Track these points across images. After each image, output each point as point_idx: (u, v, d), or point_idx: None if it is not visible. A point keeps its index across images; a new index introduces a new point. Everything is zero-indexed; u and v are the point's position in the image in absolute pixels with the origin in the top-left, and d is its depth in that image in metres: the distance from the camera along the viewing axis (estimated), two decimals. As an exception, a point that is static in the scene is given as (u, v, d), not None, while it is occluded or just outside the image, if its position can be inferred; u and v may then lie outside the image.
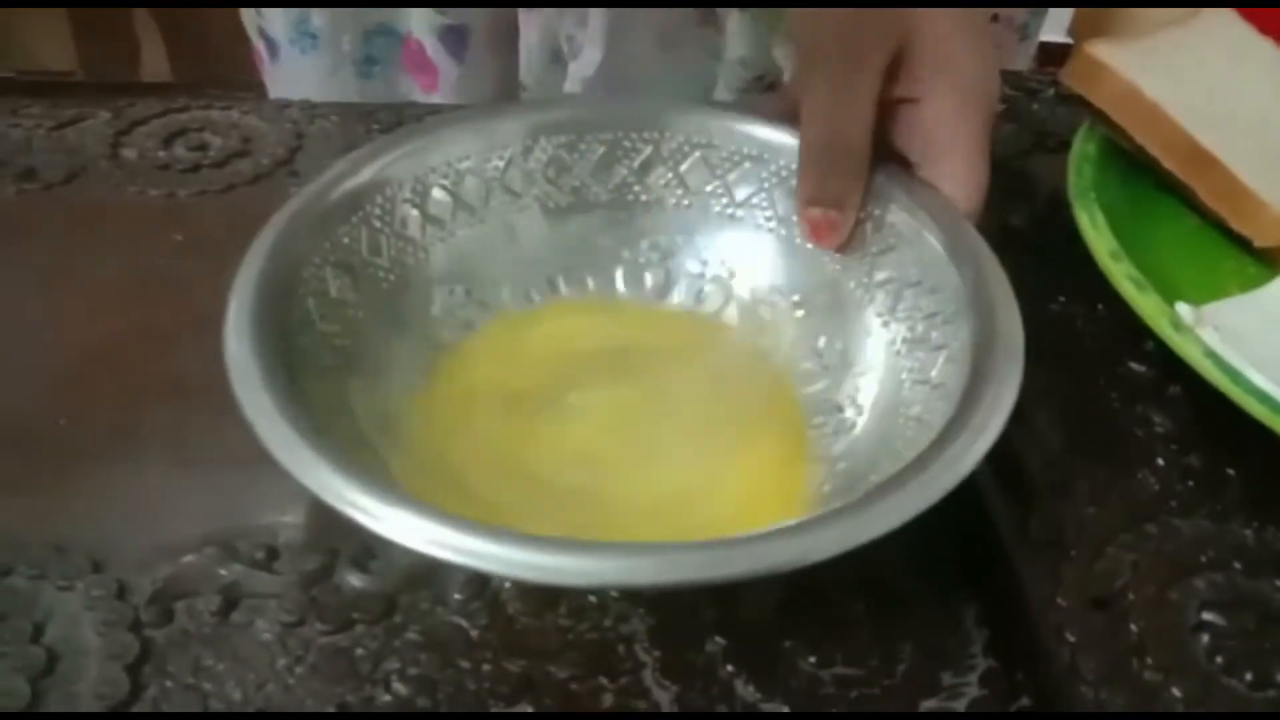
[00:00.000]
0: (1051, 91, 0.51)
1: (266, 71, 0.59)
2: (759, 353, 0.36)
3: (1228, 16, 0.45)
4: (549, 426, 0.33)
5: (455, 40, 0.54)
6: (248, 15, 0.58)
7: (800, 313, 0.36)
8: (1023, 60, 0.61)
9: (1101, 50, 0.41)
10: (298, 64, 0.56)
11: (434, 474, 0.31)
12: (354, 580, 0.30)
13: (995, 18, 0.59)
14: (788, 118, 0.36)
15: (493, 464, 0.32)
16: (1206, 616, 0.29)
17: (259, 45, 0.59)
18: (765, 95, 0.55)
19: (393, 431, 0.31)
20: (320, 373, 0.30)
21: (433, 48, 0.54)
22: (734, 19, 0.53)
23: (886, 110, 0.34)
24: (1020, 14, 0.61)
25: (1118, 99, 0.41)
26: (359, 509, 0.24)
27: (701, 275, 0.37)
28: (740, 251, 0.37)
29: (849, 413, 0.33)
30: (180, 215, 0.43)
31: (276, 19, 0.56)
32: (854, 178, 0.34)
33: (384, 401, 0.32)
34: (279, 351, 0.28)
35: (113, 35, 1.39)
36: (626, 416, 0.34)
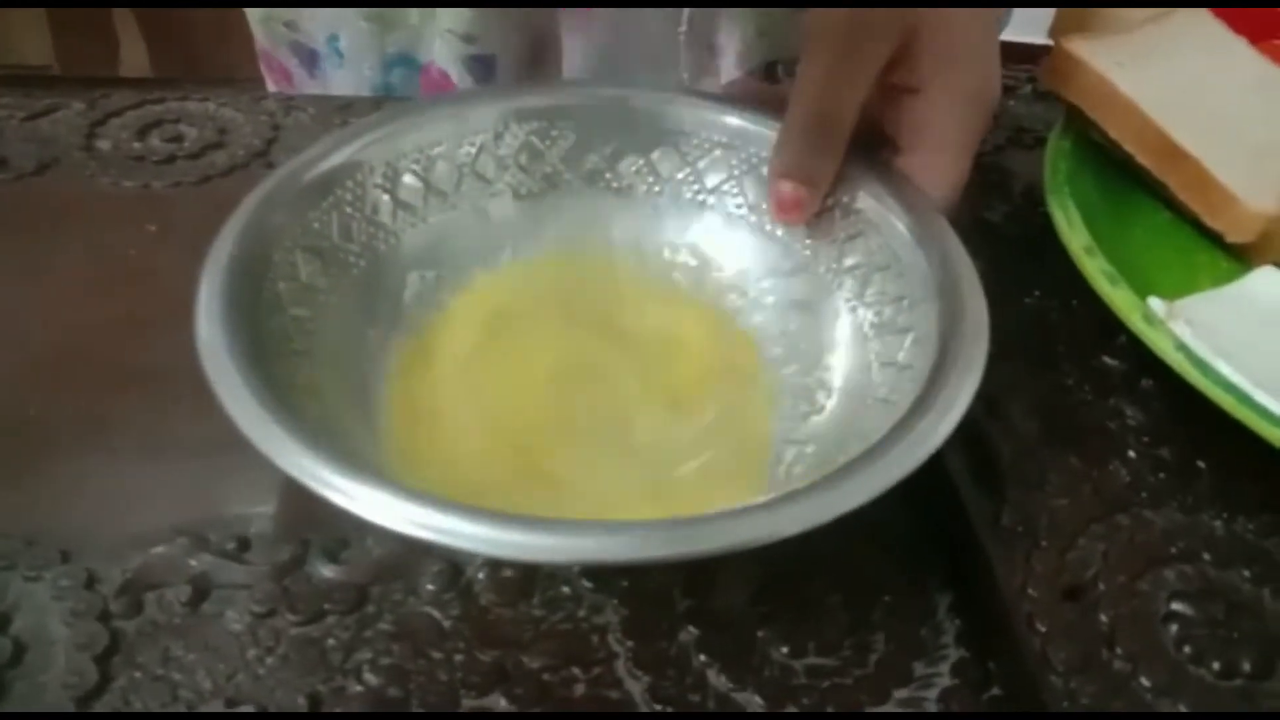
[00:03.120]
0: (1029, 88, 0.52)
1: (297, 85, 0.58)
2: (729, 337, 0.36)
3: (1202, 15, 0.45)
4: (518, 401, 0.33)
5: (481, 70, 0.54)
6: (271, 30, 0.57)
7: (771, 298, 0.36)
8: None
9: (1077, 46, 0.42)
10: (335, 77, 0.56)
11: (405, 453, 0.31)
12: (325, 571, 0.30)
13: None
14: (767, 99, 0.36)
15: (460, 439, 0.32)
16: (1176, 606, 0.29)
17: (288, 62, 0.57)
18: (748, 78, 0.55)
19: (364, 413, 0.31)
20: (291, 355, 0.30)
21: (458, 76, 0.54)
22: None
23: (886, 94, 0.34)
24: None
25: (1093, 94, 0.41)
26: (330, 486, 0.24)
27: (672, 261, 0.38)
28: (711, 238, 0.37)
29: (819, 395, 0.33)
30: (154, 206, 0.42)
31: (318, 32, 0.55)
32: (830, 157, 0.34)
33: (355, 384, 0.32)
34: (249, 334, 0.28)
35: (92, 32, 1.38)
36: (594, 395, 0.34)
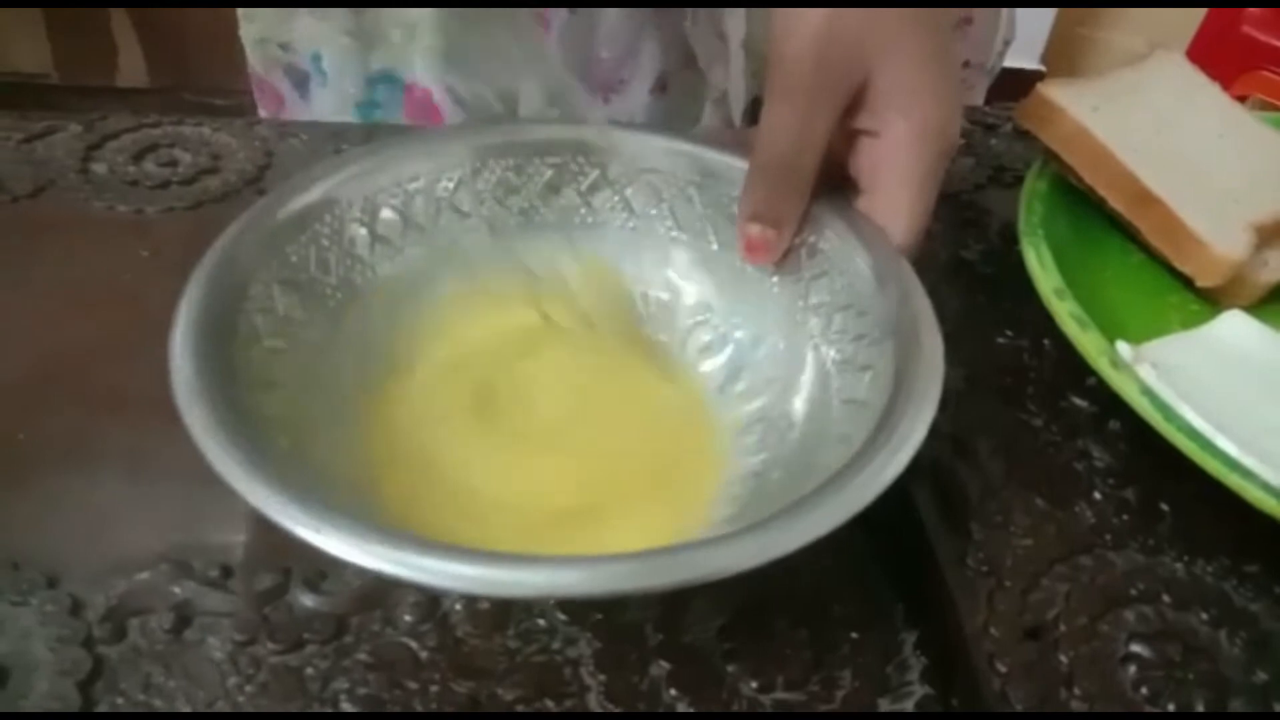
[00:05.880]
0: (1009, 126, 0.53)
1: (289, 109, 0.58)
2: (696, 372, 0.37)
3: (1177, 60, 0.46)
4: (486, 438, 0.34)
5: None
6: (266, 51, 0.57)
7: (740, 333, 0.37)
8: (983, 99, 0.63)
9: (1053, 91, 0.43)
10: (319, 96, 0.56)
11: (378, 487, 0.32)
12: (306, 600, 0.31)
13: (966, 63, 0.61)
14: (740, 148, 0.37)
15: (428, 477, 0.33)
16: (1134, 648, 0.30)
17: (280, 85, 0.58)
18: (724, 127, 0.56)
19: (339, 446, 0.32)
20: (268, 387, 0.31)
21: (439, 95, 0.55)
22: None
23: (848, 137, 0.35)
24: (990, 58, 0.62)
25: (1068, 138, 0.42)
26: (288, 516, 0.25)
27: (645, 296, 0.39)
28: (682, 273, 0.38)
29: (782, 430, 0.34)
30: (147, 231, 0.43)
31: (305, 50, 0.55)
32: (795, 201, 0.35)
33: (330, 416, 0.32)
34: (224, 366, 0.29)
35: (89, 38, 1.39)
36: (560, 430, 0.35)
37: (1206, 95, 0.45)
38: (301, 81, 0.57)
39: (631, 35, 0.53)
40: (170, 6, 1.32)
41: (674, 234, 0.39)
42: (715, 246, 0.38)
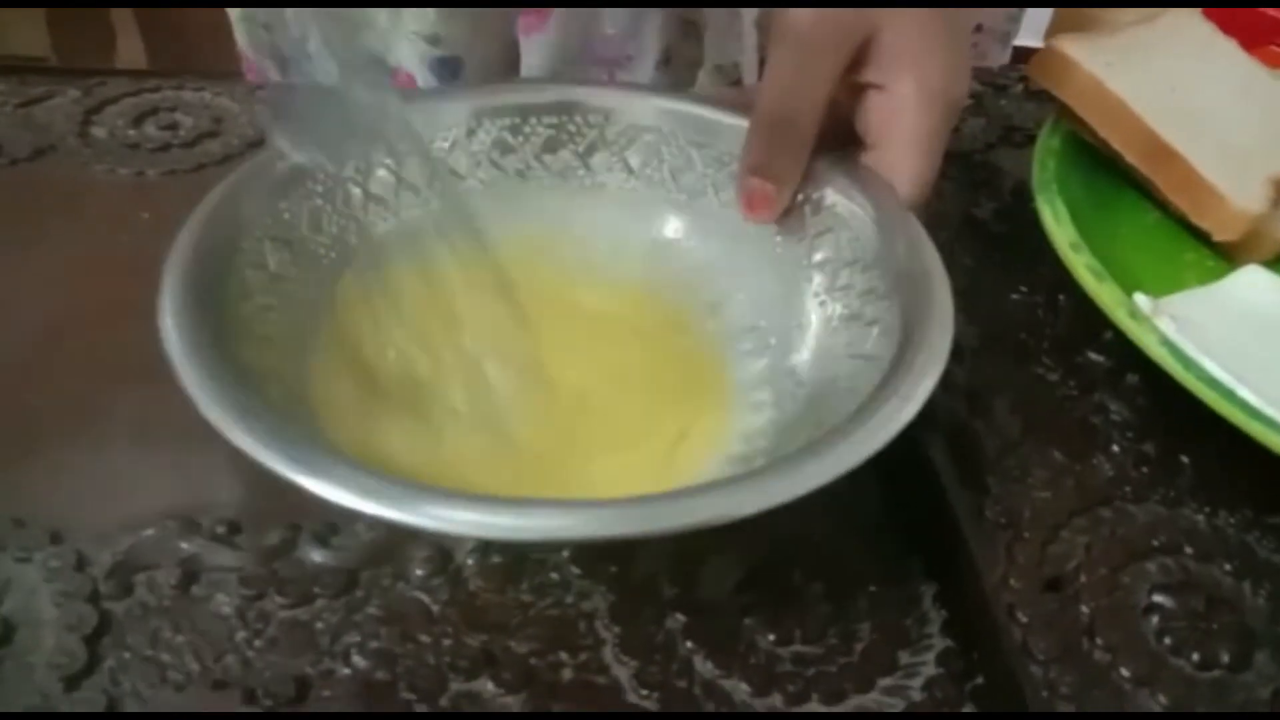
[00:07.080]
0: (1020, 87, 0.52)
1: None
2: (699, 333, 0.36)
3: (1193, 16, 0.46)
4: (483, 387, 0.33)
5: (447, 73, 0.54)
6: (251, 32, 0.57)
7: (742, 294, 0.36)
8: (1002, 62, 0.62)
9: (1068, 45, 0.42)
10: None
11: (367, 441, 0.31)
12: (316, 555, 0.30)
13: (979, 27, 0.60)
14: (734, 103, 0.36)
15: (419, 427, 0.32)
16: (1157, 599, 0.30)
17: (264, 64, 0.58)
18: (722, 88, 0.56)
19: (331, 401, 0.31)
20: (261, 342, 0.30)
21: (423, 80, 0.54)
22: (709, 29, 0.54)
23: (854, 92, 0.35)
24: (1002, 23, 0.62)
25: (1082, 93, 0.41)
26: (279, 460, 0.24)
27: (645, 257, 0.38)
28: (683, 234, 0.38)
29: (789, 387, 0.33)
30: (149, 194, 0.42)
31: (294, 34, 0.55)
32: (797, 155, 0.34)
33: (323, 373, 0.32)
34: (215, 320, 0.29)
35: (89, 24, 1.38)
36: (561, 383, 0.34)
37: (1222, 50, 0.45)
38: (283, 65, 0.57)
39: (636, 10, 0.53)
40: (168, 6, 1.31)
41: (674, 194, 0.38)
42: (716, 206, 0.37)
